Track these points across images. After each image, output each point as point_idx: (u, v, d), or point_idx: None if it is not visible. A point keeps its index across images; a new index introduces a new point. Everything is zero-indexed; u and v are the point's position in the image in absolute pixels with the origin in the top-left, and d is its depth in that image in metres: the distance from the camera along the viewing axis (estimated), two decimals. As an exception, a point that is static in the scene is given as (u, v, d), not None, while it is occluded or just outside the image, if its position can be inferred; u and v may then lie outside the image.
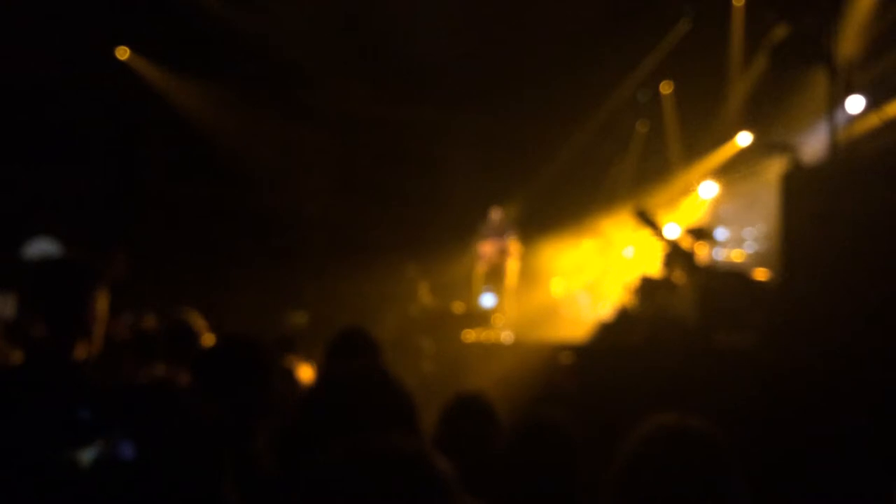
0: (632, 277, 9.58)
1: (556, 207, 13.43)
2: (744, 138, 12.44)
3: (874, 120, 7.64)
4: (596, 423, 2.60)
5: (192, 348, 4.08)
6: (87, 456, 1.31)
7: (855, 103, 7.91)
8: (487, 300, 11.11)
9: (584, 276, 11.91)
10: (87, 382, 2.24)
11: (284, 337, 5.39)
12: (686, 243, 8.83)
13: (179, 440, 1.40)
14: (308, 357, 5.82)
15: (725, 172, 12.96)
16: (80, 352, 2.39)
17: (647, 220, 9.06)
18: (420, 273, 11.85)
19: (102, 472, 1.29)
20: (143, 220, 12.70)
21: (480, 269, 10.87)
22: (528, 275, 11.86)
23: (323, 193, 13.94)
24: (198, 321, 4.38)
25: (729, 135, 12.64)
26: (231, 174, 13.17)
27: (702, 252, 9.11)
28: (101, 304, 2.48)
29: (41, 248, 12.29)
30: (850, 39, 7.92)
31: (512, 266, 10.57)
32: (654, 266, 9.40)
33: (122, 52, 12.41)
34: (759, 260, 11.09)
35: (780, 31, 8.43)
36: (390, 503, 1.15)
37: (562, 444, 2.44)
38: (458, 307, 10.67)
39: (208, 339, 4.17)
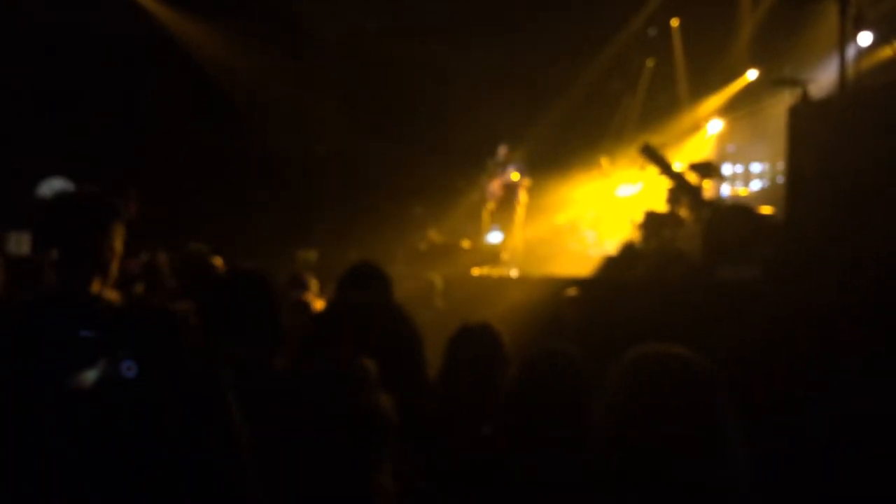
0: (638, 213, 9.56)
1: (564, 144, 13.34)
2: (753, 73, 12.27)
3: (886, 53, 7.49)
4: (601, 356, 2.61)
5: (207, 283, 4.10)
6: (90, 375, 1.34)
7: (864, 38, 7.75)
8: (495, 237, 11.11)
9: (591, 213, 11.89)
10: (92, 307, 2.26)
11: (297, 275, 5.41)
12: (692, 179, 8.78)
13: (180, 359, 1.44)
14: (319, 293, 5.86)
15: (734, 108, 12.82)
16: (96, 286, 2.40)
17: (654, 155, 8.99)
18: (428, 210, 11.84)
19: (105, 390, 1.33)
20: (153, 160, 12.67)
21: (488, 206, 10.83)
22: (536, 211, 11.83)
23: (332, 133, 13.85)
24: (216, 259, 4.40)
25: (738, 70, 12.46)
26: (241, 114, 13.10)
27: (708, 188, 9.06)
28: (118, 239, 2.48)
29: (55, 186, 12.32)
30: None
31: (519, 203, 10.52)
32: (659, 201, 9.37)
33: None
34: (765, 196, 11.04)
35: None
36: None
37: (573, 375, 2.45)
38: (465, 243, 10.68)
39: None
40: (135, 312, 1.71)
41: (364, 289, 3.26)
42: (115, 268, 2.48)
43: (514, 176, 10.36)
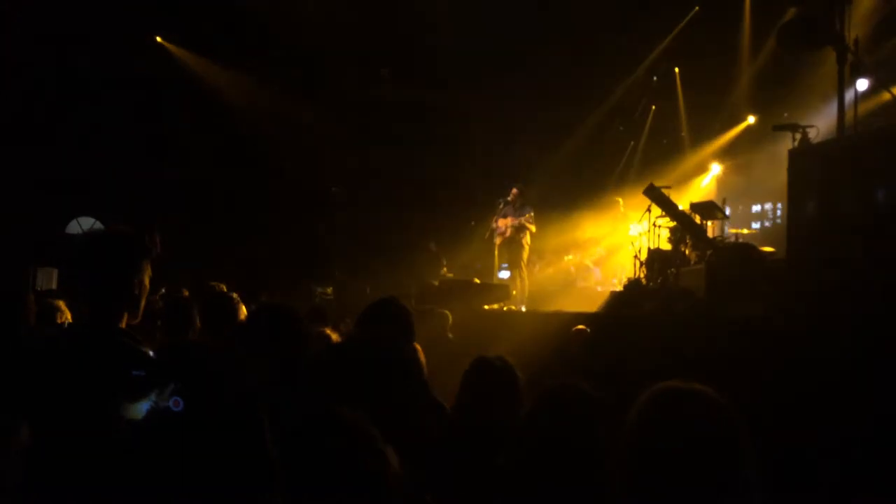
0: (644, 251, 9.55)
1: (571, 185, 13.39)
2: (752, 119, 12.33)
3: (884, 98, 7.52)
4: (608, 390, 2.59)
5: (229, 319, 4.10)
6: (141, 409, 1.40)
7: (862, 84, 7.78)
8: (505, 273, 11.11)
9: (598, 250, 11.89)
10: (139, 346, 2.27)
11: (317, 308, 5.41)
12: (696, 219, 8.78)
13: (222, 394, 1.47)
14: (335, 327, 5.86)
15: (736, 151, 12.85)
16: (124, 321, 2.41)
17: (659, 196, 9.00)
18: (440, 248, 11.86)
19: (154, 424, 1.37)
20: (176, 199, 12.76)
21: (498, 244, 10.84)
22: (544, 249, 11.84)
23: (348, 173, 13.94)
24: (234, 295, 4.40)
25: (739, 115, 12.51)
26: (261, 156, 13.23)
27: (711, 227, 9.06)
28: (146, 275, 2.48)
29: (84, 225, 12.43)
30: (856, 22, 7.78)
31: (528, 241, 10.53)
32: (664, 240, 9.36)
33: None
34: (766, 235, 11.01)
35: (789, 14, 8.30)
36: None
37: (585, 408, 2.42)
38: (476, 280, 10.68)
39: (244, 311, 4.19)
40: (180, 350, 1.74)
41: (384, 325, 3.20)
42: (143, 303, 2.49)
43: (523, 216, 10.39)
